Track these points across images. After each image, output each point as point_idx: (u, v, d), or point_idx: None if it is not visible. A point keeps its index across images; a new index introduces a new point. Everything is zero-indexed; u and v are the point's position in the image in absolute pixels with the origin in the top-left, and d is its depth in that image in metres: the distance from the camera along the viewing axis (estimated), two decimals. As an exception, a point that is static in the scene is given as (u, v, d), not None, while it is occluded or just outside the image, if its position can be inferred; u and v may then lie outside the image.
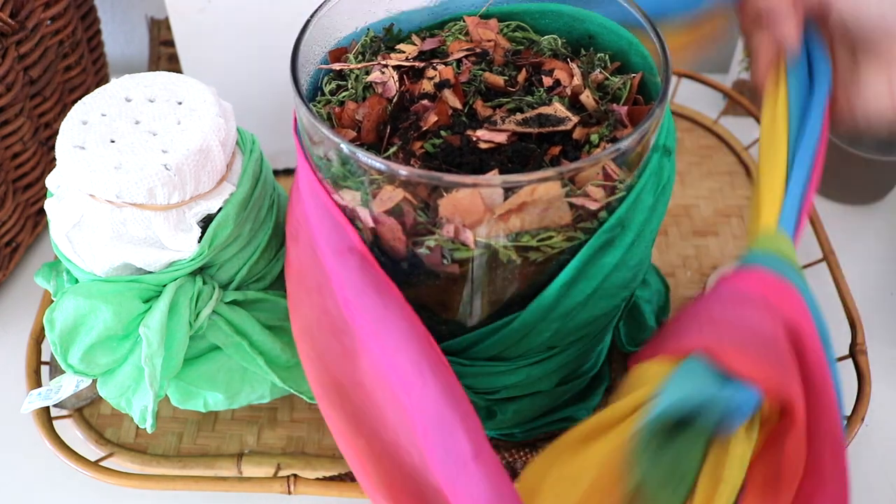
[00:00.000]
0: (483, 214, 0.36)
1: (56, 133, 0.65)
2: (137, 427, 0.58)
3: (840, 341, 0.60)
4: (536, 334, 0.43)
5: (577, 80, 0.42)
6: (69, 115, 0.45)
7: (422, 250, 0.39)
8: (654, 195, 0.41)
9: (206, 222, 0.46)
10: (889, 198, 0.75)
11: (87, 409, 0.59)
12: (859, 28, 0.42)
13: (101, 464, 0.54)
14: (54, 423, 0.55)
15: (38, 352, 0.58)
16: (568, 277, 0.40)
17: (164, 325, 0.45)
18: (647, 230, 0.42)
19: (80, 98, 0.48)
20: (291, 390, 0.53)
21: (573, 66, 0.43)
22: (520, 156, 0.38)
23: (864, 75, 0.43)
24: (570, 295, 0.41)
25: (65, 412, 0.58)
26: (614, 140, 0.39)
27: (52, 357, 0.58)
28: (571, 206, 0.37)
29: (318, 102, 0.45)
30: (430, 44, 0.46)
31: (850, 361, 0.59)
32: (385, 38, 0.47)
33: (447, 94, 0.41)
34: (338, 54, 0.46)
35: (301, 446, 0.58)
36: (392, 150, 0.40)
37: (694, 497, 0.35)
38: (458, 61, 0.44)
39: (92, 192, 0.43)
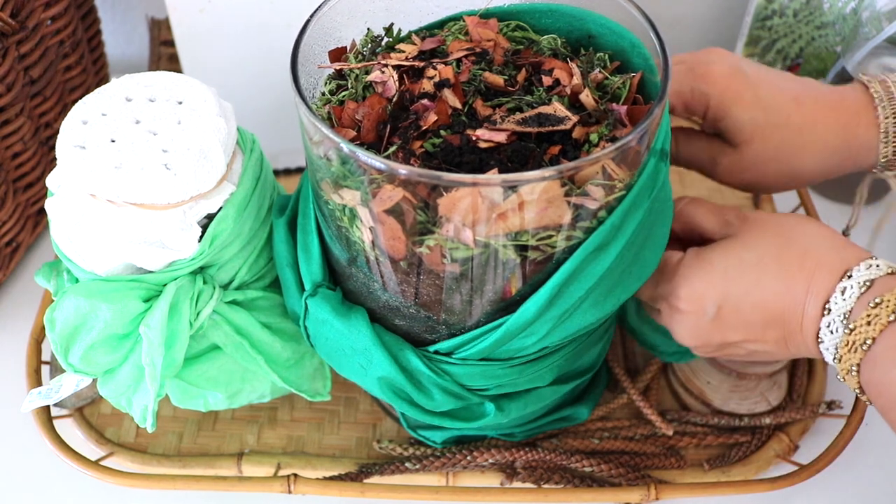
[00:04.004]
0: (483, 213, 0.36)
1: (56, 133, 0.65)
2: (138, 426, 0.58)
3: (840, 341, 0.60)
4: (526, 336, 0.43)
5: (576, 80, 0.42)
6: (69, 114, 0.45)
7: (422, 249, 0.39)
8: (650, 199, 0.41)
9: (206, 221, 0.46)
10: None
11: (87, 409, 0.59)
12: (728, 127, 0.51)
13: (102, 463, 0.54)
14: (54, 422, 0.55)
15: (39, 351, 0.58)
16: (561, 280, 0.40)
17: (165, 325, 0.45)
18: (643, 235, 0.42)
19: (80, 98, 0.48)
20: (292, 389, 0.53)
21: (573, 65, 0.43)
22: (519, 155, 0.38)
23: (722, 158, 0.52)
24: (561, 298, 0.41)
25: (65, 411, 0.58)
26: (614, 139, 0.39)
27: (53, 356, 0.58)
28: (571, 205, 0.37)
29: (318, 102, 0.45)
30: (429, 43, 0.46)
31: (849, 361, 0.59)
32: (385, 38, 0.47)
33: (447, 93, 0.41)
34: (338, 54, 0.46)
35: (301, 446, 0.58)
36: (392, 149, 0.40)
37: None
38: (458, 61, 0.44)
39: (92, 192, 0.43)
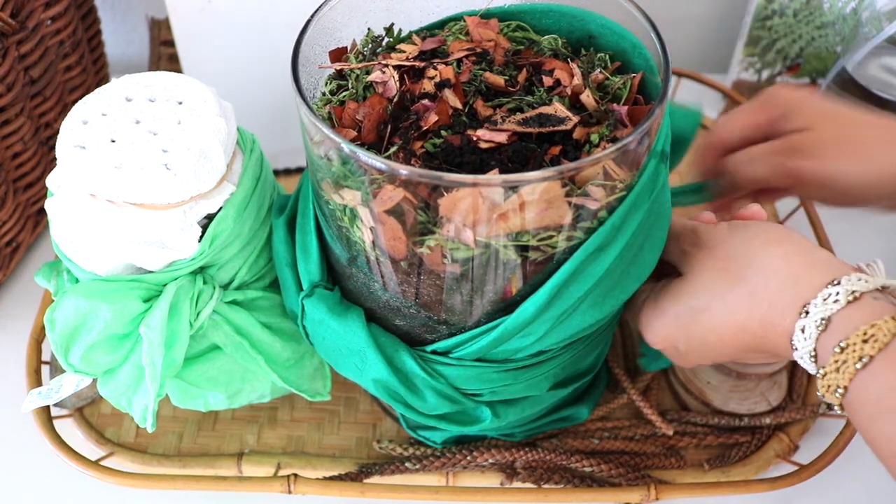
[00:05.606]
0: (483, 214, 0.36)
1: (56, 133, 0.65)
2: (138, 426, 0.58)
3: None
4: (523, 336, 0.43)
5: (577, 80, 0.42)
6: (70, 114, 0.45)
7: (422, 250, 0.39)
8: (650, 200, 0.41)
9: (206, 221, 0.46)
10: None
11: (87, 409, 0.59)
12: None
13: (102, 463, 0.54)
14: (54, 422, 0.55)
15: (39, 351, 0.58)
16: (560, 280, 0.40)
17: (165, 325, 0.45)
18: (642, 236, 0.42)
19: (80, 98, 0.48)
20: (292, 389, 0.53)
21: (573, 65, 0.43)
22: (520, 155, 0.38)
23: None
24: (561, 298, 0.41)
25: (65, 411, 0.58)
26: (615, 140, 0.39)
27: (53, 356, 0.58)
28: (571, 205, 0.37)
29: (319, 102, 0.45)
30: (430, 43, 0.46)
31: (849, 361, 0.58)
32: (385, 38, 0.47)
33: (448, 93, 0.41)
34: (338, 54, 0.46)
35: (301, 446, 0.58)
36: (393, 149, 0.40)
37: None
38: (459, 61, 0.44)
39: (92, 192, 0.43)
